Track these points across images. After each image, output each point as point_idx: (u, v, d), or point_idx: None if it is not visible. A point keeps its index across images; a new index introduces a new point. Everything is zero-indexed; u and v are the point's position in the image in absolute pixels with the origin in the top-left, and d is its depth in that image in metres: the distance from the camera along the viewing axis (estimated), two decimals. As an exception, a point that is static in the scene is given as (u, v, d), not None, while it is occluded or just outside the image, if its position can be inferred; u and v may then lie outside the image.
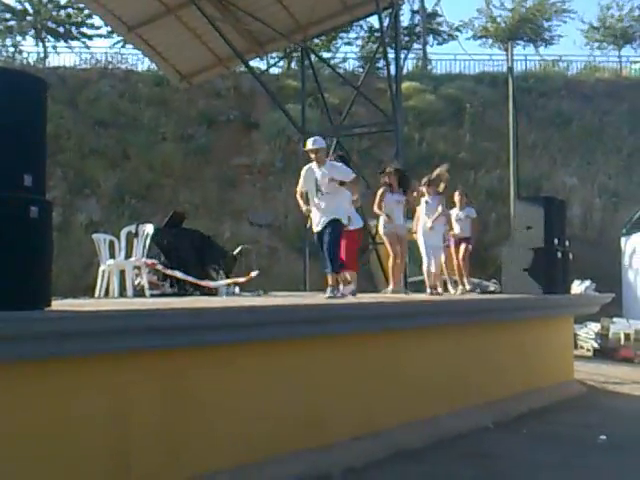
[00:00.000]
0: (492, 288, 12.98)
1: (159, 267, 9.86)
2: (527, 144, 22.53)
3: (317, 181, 7.83)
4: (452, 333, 7.52)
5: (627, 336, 13.36)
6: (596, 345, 14.10)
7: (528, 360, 8.81)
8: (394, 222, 9.63)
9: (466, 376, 7.62)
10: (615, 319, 14.42)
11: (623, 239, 18.75)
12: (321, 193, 7.82)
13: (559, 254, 9.81)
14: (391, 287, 9.86)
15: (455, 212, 10.78)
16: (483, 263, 17.47)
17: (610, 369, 11.90)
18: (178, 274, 9.64)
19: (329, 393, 5.97)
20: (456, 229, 10.71)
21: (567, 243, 10.19)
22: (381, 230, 9.90)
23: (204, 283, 9.71)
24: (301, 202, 8.05)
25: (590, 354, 14.02)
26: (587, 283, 14.27)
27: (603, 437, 6.80)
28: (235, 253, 11.41)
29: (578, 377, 10.48)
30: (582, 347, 14.41)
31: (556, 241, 9.78)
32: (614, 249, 18.91)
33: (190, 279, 9.61)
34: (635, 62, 32.16)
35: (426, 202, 9.78)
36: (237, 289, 10.33)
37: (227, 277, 10.40)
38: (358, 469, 5.63)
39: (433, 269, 9.65)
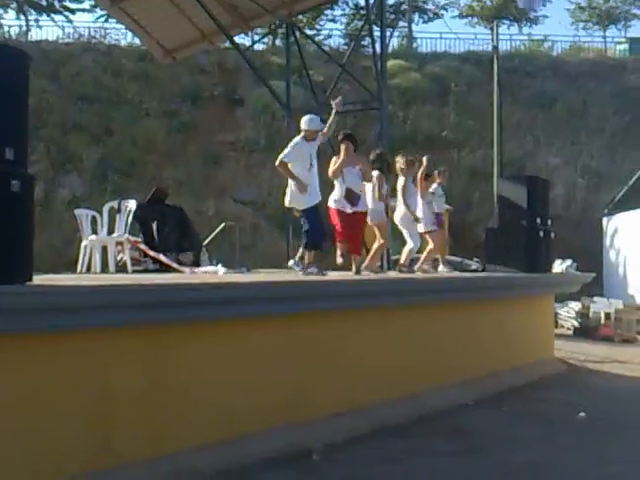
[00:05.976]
0: (474, 267, 13.02)
1: (142, 247, 9.79)
2: (511, 124, 22.56)
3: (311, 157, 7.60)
4: (434, 311, 7.56)
5: (607, 315, 13.51)
6: (577, 324, 14.25)
7: (509, 338, 8.86)
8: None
9: (447, 353, 7.66)
10: (596, 298, 14.57)
11: (605, 219, 18.91)
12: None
13: (541, 233, 9.83)
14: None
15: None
16: (465, 241, 17.57)
17: (590, 348, 12.02)
18: (162, 258, 9.49)
19: (311, 370, 5.99)
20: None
21: (549, 222, 10.22)
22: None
23: (182, 269, 9.40)
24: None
25: (571, 333, 14.16)
26: (568, 262, 14.36)
27: (582, 414, 6.87)
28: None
29: (558, 355, 10.57)
30: (563, 326, 14.55)
31: (539, 220, 9.80)
32: (596, 229, 19.07)
33: (175, 265, 9.39)
34: (620, 43, 32.25)
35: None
36: (220, 266, 10.28)
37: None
38: (339, 445, 5.66)
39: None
